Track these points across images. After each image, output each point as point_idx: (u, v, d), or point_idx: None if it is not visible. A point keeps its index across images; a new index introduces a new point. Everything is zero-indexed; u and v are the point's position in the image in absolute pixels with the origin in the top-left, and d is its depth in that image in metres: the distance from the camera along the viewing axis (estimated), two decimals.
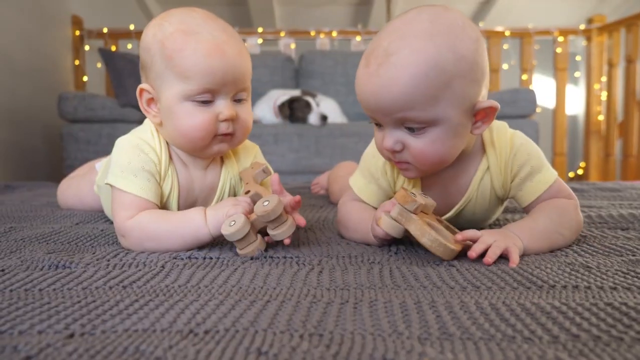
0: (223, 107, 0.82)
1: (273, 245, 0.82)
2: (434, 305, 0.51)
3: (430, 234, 0.68)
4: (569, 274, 0.62)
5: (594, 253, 0.74)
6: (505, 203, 1.00)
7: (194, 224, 0.79)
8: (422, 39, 0.69)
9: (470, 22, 0.74)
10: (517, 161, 0.83)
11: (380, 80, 0.71)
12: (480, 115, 0.75)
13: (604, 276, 0.61)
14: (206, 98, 0.81)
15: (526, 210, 0.85)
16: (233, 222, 0.74)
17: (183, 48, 0.79)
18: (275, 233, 0.76)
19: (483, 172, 0.84)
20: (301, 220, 0.80)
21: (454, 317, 0.48)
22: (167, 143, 0.89)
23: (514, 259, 0.67)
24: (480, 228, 0.92)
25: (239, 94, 0.85)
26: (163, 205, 0.89)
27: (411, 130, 0.73)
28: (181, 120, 0.82)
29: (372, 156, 0.91)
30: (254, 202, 0.79)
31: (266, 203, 0.75)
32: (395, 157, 0.78)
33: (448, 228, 0.80)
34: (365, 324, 0.46)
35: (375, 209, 0.89)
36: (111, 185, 0.83)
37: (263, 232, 0.78)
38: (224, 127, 0.83)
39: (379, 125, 0.78)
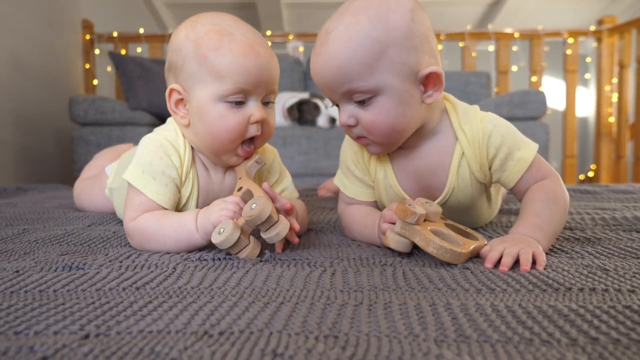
0: (254, 109, 0.82)
1: (271, 247, 0.81)
2: (450, 308, 0.50)
3: (434, 242, 0.68)
4: (586, 276, 0.61)
5: (610, 255, 0.73)
6: (500, 200, 1.00)
7: (187, 229, 0.78)
8: (355, 14, 0.74)
9: None
10: (492, 144, 0.82)
11: (321, 59, 0.76)
12: (430, 84, 0.77)
13: (622, 279, 0.60)
14: (239, 99, 0.81)
15: (514, 192, 0.85)
16: (222, 230, 0.72)
17: (219, 47, 0.79)
18: (268, 236, 0.74)
19: (459, 158, 0.84)
20: (295, 225, 0.80)
21: (470, 320, 0.47)
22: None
23: (541, 260, 0.66)
24: (470, 220, 0.94)
25: (268, 97, 0.85)
26: (182, 208, 0.89)
27: (361, 103, 0.77)
28: (213, 122, 0.82)
29: (344, 150, 0.94)
30: (245, 202, 0.77)
31: (254, 206, 0.73)
32: (352, 133, 0.81)
33: (458, 230, 0.79)
34: (381, 326, 0.45)
35: (370, 205, 0.93)
36: (128, 182, 0.84)
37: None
38: (253, 130, 0.83)
39: (337, 106, 0.82)
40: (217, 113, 0.81)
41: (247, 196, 0.78)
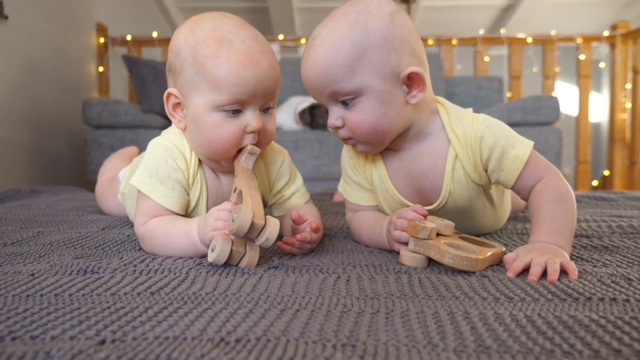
0: (251, 118, 0.81)
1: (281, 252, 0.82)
2: (468, 317, 0.50)
3: (449, 252, 0.68)
4: (607, 286, 0.60)
5: (631, 264, 0.72)
6: (508, 204, 0.99)
7: (192, 239, 0.78)
8: (337, 20, 0.78)
9: (390, 1, 0.80)
10: (485, 145, 0.82)
11: (308, 63, 0.79)
12: (414, 85, 0.79)
13: None
14: (236, 108, 0.80)
15: (515, 190, 0.85)
16: (214, 246, 0.71)
17: (216, 55, 0.78)
18: (259, 243, 0.71)
19: (453, 161, 0.84)
20: (313, 225, 0.82)
21: (489, 329, 0.46)
22: None
23: (572, 270, 0.65)
24: (474, 225, 0.93)
25: (267, 103, 0.84)
26: (192, 210, 0.89)
27: (345, 104, 0.79)
28: (208, 131, 0.81)
29: (343, 157, 0.96)
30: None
31: (235, 217, 0.70)
32: (340, 134, 0.83)
33: (474, 242, 0.79)
34: (399, 335, 0.45)
35: (374, 209, 0.93)
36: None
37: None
38: (250, 139, 0.82)
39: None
40: (213, 122, 0.81)
41: (240, 199, 0.76)
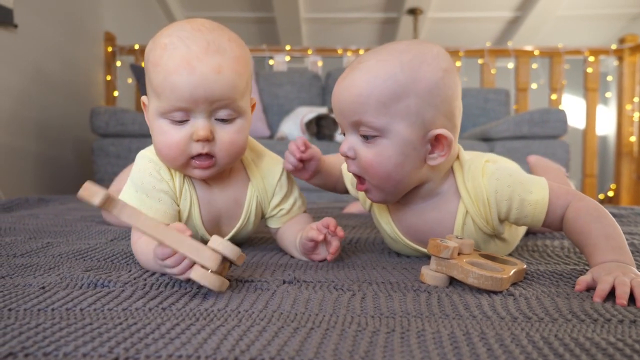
0: (199, 126, 0.77)
1: (297, 269, 0.81)
2: (484, 337, 0.49)
3: (473, 272, 0.67)
4: (627, 307, 0.59)
5: None
6: (519, 229, 0.97)
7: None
8: (391, 54, 0.76)
9: (448, 57, 0.78)
10: (502, 198, 0.80)
11: (345, 82, 0.77)
12: (438, 147, 0.77)
13: None
14: (179, 117, 0.77)
15: (546, 226, 0.82)
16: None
17: (157, 63, 0.76)
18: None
19: (463, 216, 0.83)
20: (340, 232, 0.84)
21: (506, 351, 0.46)
22: None
23: None
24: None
25: (219, 113, 0.78)
26: (186, 222, 0.88)
27: (365, 138, 0.77)
28: (156, 137, 0.80)
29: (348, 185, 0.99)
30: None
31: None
32: (350, 167, 0.81)
33: (494, 259, 0.78)
34: (415, 357, 0.44)
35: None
36: None
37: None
38: (198, 148, 0.78)
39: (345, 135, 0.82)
40: (159, 128, 0.79)
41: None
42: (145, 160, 0.86)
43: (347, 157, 0.80)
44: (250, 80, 0.84)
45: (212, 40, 0.76)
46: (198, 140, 0.78)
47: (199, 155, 0.80)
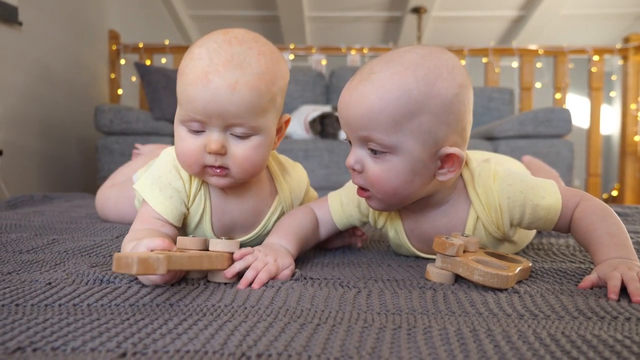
0: (211, 139, 0.76)
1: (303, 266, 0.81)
2: (491, 334, 0.49)
3: (478, 269, 0.67)
4: (634, 304, 0.59)
5: None
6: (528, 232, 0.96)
7: None
8: (405, 67, 0.72)
9: (464, 70, 0.75)
10: (515, 204, 0.79)
11: (354, 94, 0.73)
12: (448, 163, 0.75)
13: None
14: (196, 127, 0.77)
15: (556, 229, 0.81)
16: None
17: (182, 71, 0.76)
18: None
19: (474, 222, 0.82)
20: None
21: (513, 348, 0.46)
22: None
23: None
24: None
25: (234, 129, 0.77)
26: (196, 227, 0.88)
27: (373, 152, 0.74)
28: (177, 143, 0.81)
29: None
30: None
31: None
32: (356, 180, 0.78)
33: (500, 257, 0.78)
34: (422, 352, 0.44)
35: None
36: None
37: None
38: (210, 160, 0.78)
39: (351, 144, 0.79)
40: (179, 135, 0.80)
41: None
42: (169, 157, 0.86)
43: (353, 170, 0.77)
44: (277, 98, 0.80)
45: (238, 53, 0.74)
46: (210, 153, 0.77)
47: (210, 166, 0.80)
